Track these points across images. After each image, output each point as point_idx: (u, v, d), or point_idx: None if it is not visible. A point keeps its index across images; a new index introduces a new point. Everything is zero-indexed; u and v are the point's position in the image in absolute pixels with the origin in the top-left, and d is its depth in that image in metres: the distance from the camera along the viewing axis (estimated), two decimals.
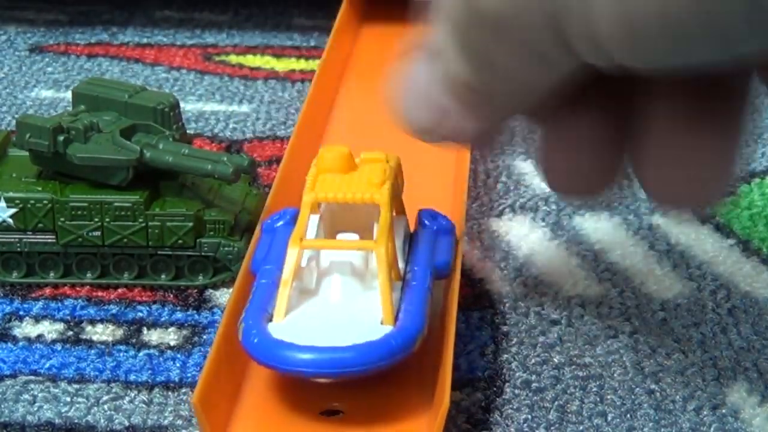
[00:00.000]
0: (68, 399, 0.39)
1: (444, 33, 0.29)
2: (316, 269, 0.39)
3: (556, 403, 0.38)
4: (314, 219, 0.40)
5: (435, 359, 0.38)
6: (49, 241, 0.45)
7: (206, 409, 0.34)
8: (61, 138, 0.44)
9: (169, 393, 0.39)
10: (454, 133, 0.32)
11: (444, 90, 0.31)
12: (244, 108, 0.62)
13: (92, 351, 0.41)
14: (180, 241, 0.44)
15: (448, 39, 0.29)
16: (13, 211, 0.44)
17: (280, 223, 0.42)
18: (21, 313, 0.44)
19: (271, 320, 0.37)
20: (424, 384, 0.38)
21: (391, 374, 0.37)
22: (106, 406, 0.38)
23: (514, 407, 0.38)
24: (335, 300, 0.38)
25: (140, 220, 0.44)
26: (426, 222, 0.42)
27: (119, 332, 0.43)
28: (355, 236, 0.39)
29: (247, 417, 0.37)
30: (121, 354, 0.41)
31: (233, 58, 0.68)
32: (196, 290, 0.45)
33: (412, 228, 0.43)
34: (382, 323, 0.36)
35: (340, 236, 0.39)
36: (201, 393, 0.34)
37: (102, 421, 0.38)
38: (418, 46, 0.32)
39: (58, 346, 0.42)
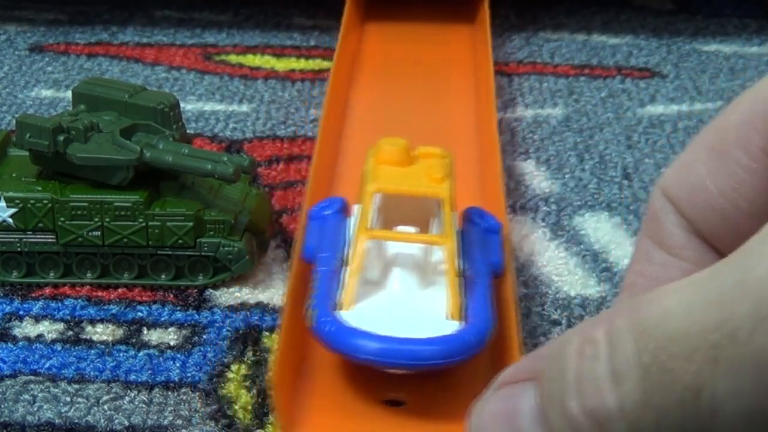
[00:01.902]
0: (68, 399, 0.39)
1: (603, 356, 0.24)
2: (379, 260, 0.39)
3: None
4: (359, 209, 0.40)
5: (496, 355, 0.38)
6: (49, 241, 0.45)
7: (281, 396, 0.34)
8: (61, 138, 0.44)
9: (169, 393, 0.39)
10: None
11: (545, 426, 0.26)
12: (244, 108, 0.62)
13: (92, 351, 0.41)
14: (180, 241, 0.44)
15: (606, 363, 0.24)
16: (13, 211, 0.44)
17: (329, 211, 0.42)
18: (21, 313, 0.44)
19: (338, 308, 0.37)
20: (485, 380, 0.38)
21: (454, 368, 0.37)
22: (106, 406, 0.38)
23: None
24: (398, 291, 0.38)
25: (140, 220, 0.44)
26: (475, 220, 0.42)
27: (119, 332, 0.43)
28: (413, 229, 0.40)
29: (314, 400, 0.37)
30: (121, 354, 0.41)
31: (233, 58, 0.68)
32: (196, 290, 0.45)
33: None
34: (447, 318, 0.37)
35: (399, 229, 0.40)
36: (277, 378, 0.34)
37: (102, 421, 0.38)
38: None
39: (58, 346, 0.42)
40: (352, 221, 0.42)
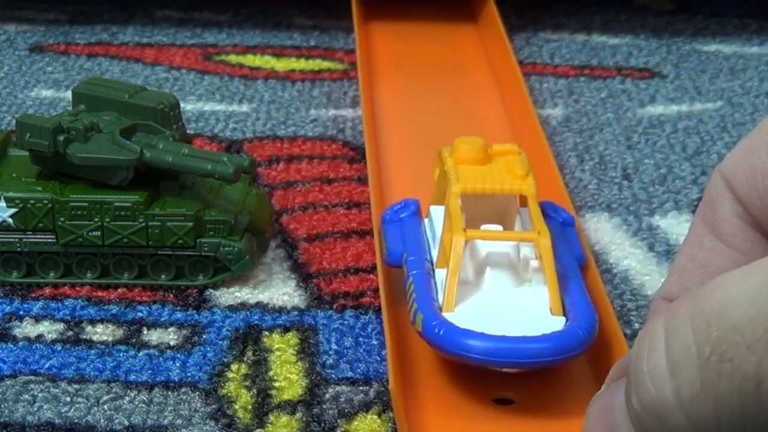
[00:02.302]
0: (68, 399, 0.39)
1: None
2: (471, 260, 0.39)
3: None
4: (438, 210, 0.40)
5: (600, 349, 0.38)
6: (49, 241, 0.45)
7: (401, 398, 0.35)
8: (61, 138, 0.44)
9: (169, 393, 0.39)
10: None
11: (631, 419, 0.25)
12: (244, 108, 0.62)
13: (92, 351, 0.41)
14: (180, 241, 0.44)
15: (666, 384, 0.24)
16: (13, 211, 0.44)
17: (404, 213, 0.42)
18: (21, 313, 0.44)
19: (440, 310, 0.37)
20: (589, 375, 0.39)
21: (561, 365, 0.37)
22: (106, 406, 0.38)
23: None
24: (494, 290, 0.38)
25: (140, 220, 0.44)
26: (550, 214, 0.43)
27: (119, 332, 0.43)
28: (498, 227, 0.40)
29: (424, 403, 0.37)
30: (121, 354, 0.41)
31: (233, 58, 0.68)
32: (196, 290, 0.45)
33: None
34: (551, 314, 0.37)
35: (484, 227, 0.40)
36: (395, 384, 0.35)
37: (102, 421, 0.38)
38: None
39: (58, 346, 0.42)
40: (430, 222, 0.42)
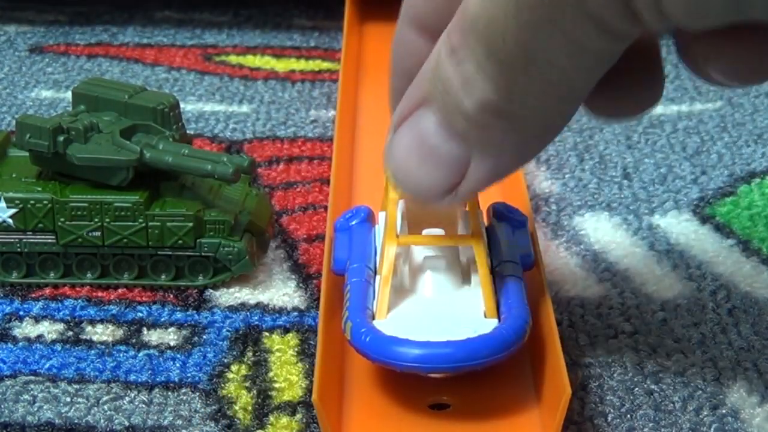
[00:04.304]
0: (68, 399, 0.39)
1: (464, 55, 0.28)
2: (409, 266, 0.39)
3: None
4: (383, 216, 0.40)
5: (537, 348, 0.38)
6: (49, 241, 0.45)
7: (325, 408, 0.34)
8: (61, 138, 0.44)
9: (169, 393, 0.39)
10: (471, 184, 0.31)
11: (453, 134, 0.30)
12: (244, 108, 0.62)
13: (92, 351, 0.41)
14: (180, 242, 0.44)
15: (470, 59, 0.28)
16: (13, 211, 0.44)
17: (355, 221, 0.42)
18: (21, 313, 0.44)
19: (373, 318, 0.37)
20: (527, 375, 0.39)
21: (496, 366, 0.37)
22: (106, 406, 0.38)
23: None
24: (431, 295, 0.38)
25: (140, 220, 0.44)
26: (501, 215, 0.42)
27: (119, 332, 0.43)
28: (440, 231, 0.40)
29: (359, 413, 0.37)
30: (121, 354, 0.41)
31: (233, 58, 0.68)
32: (196, 290, 0.45)
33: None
34: (485, 316, 0.37)
35: (425, 232, 0.40)
36: (319, 392, 0.34)
37: (102, 421, 0.38)
38: (405, 105, 0.31)
39: (58, 346, 0.42)
40: (379, 229, 0.42)
